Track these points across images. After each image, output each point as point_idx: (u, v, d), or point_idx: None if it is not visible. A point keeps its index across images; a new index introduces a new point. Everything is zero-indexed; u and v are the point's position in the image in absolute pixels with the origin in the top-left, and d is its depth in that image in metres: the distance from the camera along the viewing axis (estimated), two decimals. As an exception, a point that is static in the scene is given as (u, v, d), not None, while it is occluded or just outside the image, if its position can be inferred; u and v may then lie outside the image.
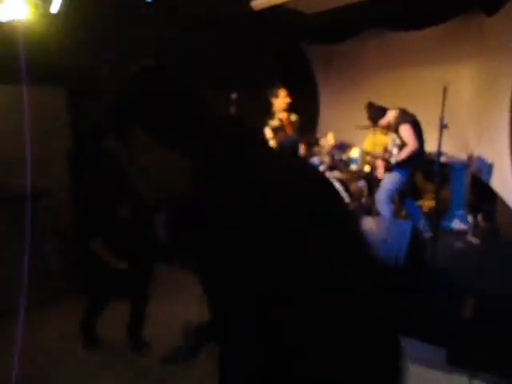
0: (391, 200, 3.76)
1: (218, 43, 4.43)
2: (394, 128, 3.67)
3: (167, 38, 3.94)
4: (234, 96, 4.26)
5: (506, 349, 2.30)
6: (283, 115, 3.82)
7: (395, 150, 3.66)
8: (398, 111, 3.69)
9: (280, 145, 3.72)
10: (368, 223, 2.97)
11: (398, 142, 3.64)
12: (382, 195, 3.74)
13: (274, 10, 4.74)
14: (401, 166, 3.62)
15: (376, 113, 3.74)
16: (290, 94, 3.83)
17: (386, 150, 3.83)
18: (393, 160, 3.64)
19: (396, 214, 3.91)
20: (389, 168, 3.69)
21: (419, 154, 3.63)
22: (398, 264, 2.74)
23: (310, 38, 5.68)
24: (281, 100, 3.80)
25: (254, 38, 5.01)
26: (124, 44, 3.76)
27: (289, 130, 3.82)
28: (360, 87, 5.39)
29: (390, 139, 3.79)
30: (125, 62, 3.82)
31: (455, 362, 2.40)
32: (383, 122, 3.73)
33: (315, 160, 4.24)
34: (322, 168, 4.21)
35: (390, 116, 3.68)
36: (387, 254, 2.79)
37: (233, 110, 4.27)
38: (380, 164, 3.77)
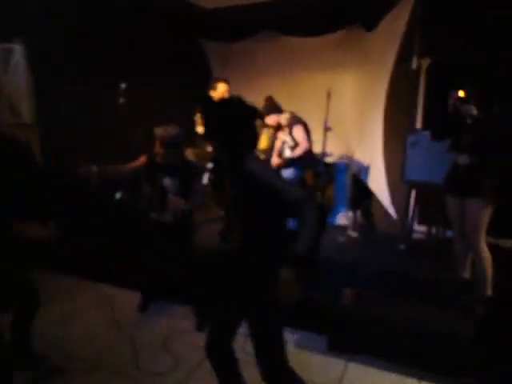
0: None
1: (108, 29, 4.10)
2: (287, 129, 3.79)
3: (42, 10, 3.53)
4: (123, 86, 4.01)
5: (379, 333, 2.55)
6: None
7: (288, 152, 3.80)
8: (289, 114, 3.82)
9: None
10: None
11: (290, 143, 3.77)
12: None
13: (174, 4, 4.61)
14: (295, 163, 3.76)
15: (271, 109, 3.78)
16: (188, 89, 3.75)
17: (281, 146, 3.94)
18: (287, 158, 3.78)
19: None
20: (284, 165, 3.79)
21: (310, 153, 3.82)
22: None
23: (207, 34, 5.63)
24: (219, 94, 3.71)
25: (150, 28, 4.78)
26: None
27: None
28: (254, 87, 5.50)
29: (280, 138, 3.91)
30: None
31: (335, 348, 2.59)
32: (272, 120, 3.78)
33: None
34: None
35: (283, 118, 3.78)
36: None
37: (122, 100, 4.01)
38: (276, 160, 3.87)
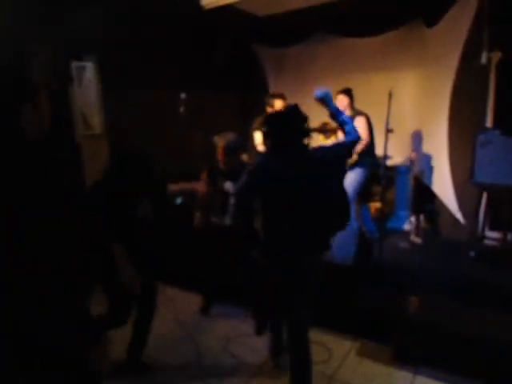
0: (353, 200, 3.76)
1: (165, 41, 4.31)
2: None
3: (107, 32, 3.79)
4: (183, 96, 4.19)
5: (447, 344, 2.40)
6: None
7: None
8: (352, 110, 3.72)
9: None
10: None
11: None
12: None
13: (226, 11, 4.72)
14: (359, 162, 3.63)
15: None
16: (245, 97, 3.82)
17: None
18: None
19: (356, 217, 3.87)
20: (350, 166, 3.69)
21: (372, 151, 3.68)
22: (347, 264, 2.79)
23: (261, 40, 5.71)
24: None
25: (204, 38, 4.95)
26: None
27: None
28: (311, 92, 5.46)
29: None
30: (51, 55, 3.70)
31: (400, 358, 2.48)
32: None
33: None
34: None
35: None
36: (336, 255, 2.82)
37: (182, 109, 4.19)
38: None
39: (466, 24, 3.59)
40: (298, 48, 5.55)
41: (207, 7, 4.01)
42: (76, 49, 4.04)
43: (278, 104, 3.76)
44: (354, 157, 3.59)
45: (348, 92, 3.79)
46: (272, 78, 5.96)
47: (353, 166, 3.65)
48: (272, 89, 5.94)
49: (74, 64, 4.11)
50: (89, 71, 4.15)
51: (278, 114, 2.16)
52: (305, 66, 5.54)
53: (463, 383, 2.26)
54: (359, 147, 3.56)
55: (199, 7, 4.05)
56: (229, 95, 5.56)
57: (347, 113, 3.73)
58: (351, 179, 3.64)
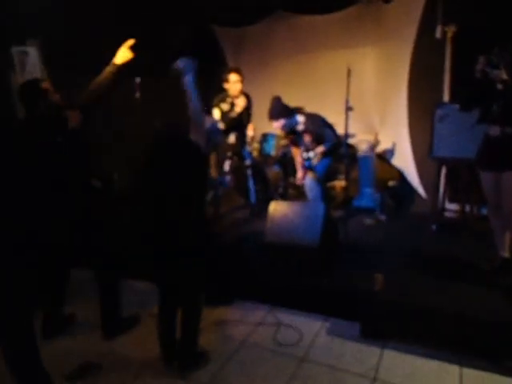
0: (321, 181, 3.74)
1: (116, 23, 4.05)
2: (307, 135, 3.60)
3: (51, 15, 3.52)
4: (137, 80, 3.99)
5: (413, 318, 2.45)
6: (236, 99, 3.70)
7: (315, 160, 3.66)
8: (304, 116, 3.53)
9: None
10: (282, 208, 2.95)
11: (315, 158, 3.64)
12: (312, 180, 3.68)
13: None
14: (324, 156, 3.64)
15: (279, 110, 3.44)
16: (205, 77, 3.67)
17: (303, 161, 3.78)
18: (313, 161, 3.65)
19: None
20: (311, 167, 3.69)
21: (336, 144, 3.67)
22: (314, 244, 2.77)
23: (219, 20, 5.51)
24: (232, 84, 3.66)
25: (158, 18, 4.70)
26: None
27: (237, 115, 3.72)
28: (272, 71, 5.37)
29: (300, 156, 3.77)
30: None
31: (368, 334, 2.51)
32: (278, 124, 3.47)
33: (247, 149, 4.09)
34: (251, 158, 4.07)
35: (300, 123, 3.53)
36: (302, 236, 2.81)
37: (137, 95, 3.99)
38: (301, 174, 3.75)
39: (422, -2, 3.58)
40: (257, 27, 5.39)
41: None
42: (17, 33, 3.74)
43: (233, 78, 3.65)
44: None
45: (239, 71, 3.74)
46: (231, 59, 5.79)
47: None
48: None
49: (15, 49, 3.80)
50: (32, 56, 3.85)
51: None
52: (264, 45, 5.41)
53: (431, 354, 2.32)
54: (322, 150, 3.56)
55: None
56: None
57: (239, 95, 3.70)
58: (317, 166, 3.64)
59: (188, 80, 2.09)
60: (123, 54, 2.57)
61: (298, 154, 3.77)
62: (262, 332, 2.64)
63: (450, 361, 2.27)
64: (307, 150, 3.67)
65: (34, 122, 2.34)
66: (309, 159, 3.67)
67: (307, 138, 3.60)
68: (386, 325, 2.51)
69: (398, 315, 2.50)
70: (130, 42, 2.60)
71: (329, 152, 3.62)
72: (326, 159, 3.66)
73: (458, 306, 2.41)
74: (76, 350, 2.46)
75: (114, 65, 2.58)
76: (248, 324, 2.71)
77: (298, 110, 3.59)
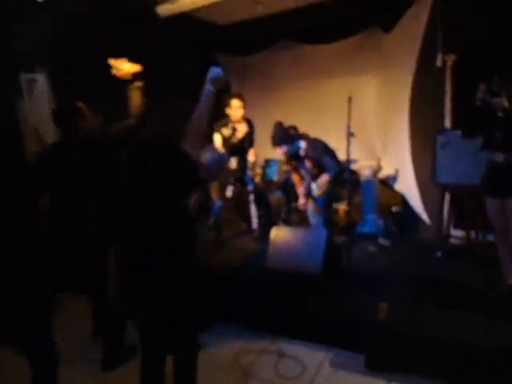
0: (326, 207, 3.74)
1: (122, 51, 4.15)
2: (308, 161, 3.63)
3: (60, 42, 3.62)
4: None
5: (419, 350, 2.37)
6: (237, 125, 3.71)
7: (315, 190, 3.67)
8: (305, 142, 3.58)
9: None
10: (284, 233, 2.92)
11: (317, 189, 3.65)
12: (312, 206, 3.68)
13: (185, 20, 4.63)
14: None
15: (282, 137, 3.50)
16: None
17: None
18: (315, 191, 3.65)
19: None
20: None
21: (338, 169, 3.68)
22: (316, 271, 2.73)
23: (223, 49, 5.66)
24: (234, 110, 3.67)
25: (164, 47, 4.83)
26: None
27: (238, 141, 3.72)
28: (275, 98, 5.47)
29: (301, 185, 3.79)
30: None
31: (374, 367, 2.42)
32: (281, 151, 3.55)
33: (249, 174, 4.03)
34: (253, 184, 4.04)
35: (302, 148, 3.58)
36: (305, 262, 2.76)
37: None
38: (302, 201, 3.76)
39: (421, 28, 3.65)
40: (261, 56, 5.53)
41: (163, 15, 3.91)
42: (25, 60, 3.84)
43: (235, 104, 3.67)
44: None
45: (241, 96, 3.77)
46: (236, 86, 5.90)
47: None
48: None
49: (24, 76, 3.89)
50: (40, 83, 3.94)
51: None
52: (268, 73, 5.53)
53: (437, 388, 2.22)
54: (324, 181, 3.57)
55: (155, 15, 3.94)
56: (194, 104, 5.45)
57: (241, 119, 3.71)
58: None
59: (207, 89, 1.93)
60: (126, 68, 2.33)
61: (299, 182, 3.77)
62: (262, 363, 2.55)
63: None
64: (311, 178, 3.67)
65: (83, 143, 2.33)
66: (311, 190, 3.66)
67: (308, 164, 3.61)
68: (392, 356, 2.42)
69: (404, 346, 2.42)
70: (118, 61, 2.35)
71: (332, 180, 3.61)
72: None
73: (466, 336, 2.33)
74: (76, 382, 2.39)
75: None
76: (248, 353, 2.63)
77: (301, 136, 3.62)
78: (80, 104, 2.43)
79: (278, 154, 3.55)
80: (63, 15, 3.63)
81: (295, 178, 3.81)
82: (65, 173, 2.34)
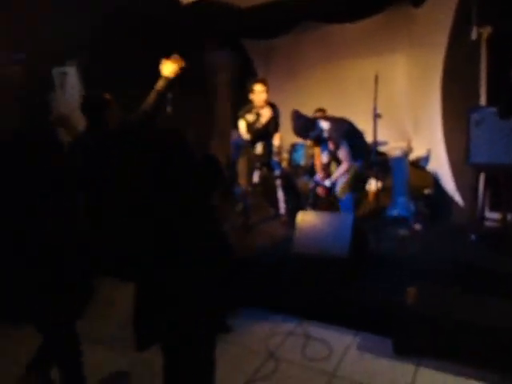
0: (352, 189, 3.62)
1: (148, 41, 4.20)
2: (331, 144, 3.52)
3: (88, 35, 3.70)
4: (169, 96, 4.09)
5: (449, 334, 2.32)
6: (261, 110, 3.70)
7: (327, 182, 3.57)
8: (329, 123, 3.45)
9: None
10: (310, 218, 2.92)
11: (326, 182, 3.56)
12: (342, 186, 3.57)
13: (209, 5, 4.61)
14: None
15: (302, 125, 3.39)
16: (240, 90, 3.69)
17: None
18: (332, 179, 3.55)
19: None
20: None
21: (365, 151, 3.57)
22: (343, 255, 2.71)
23: (247, 33, 5.60)
24: (257, 95, 3.66)
25: (189, 35, 4.84)
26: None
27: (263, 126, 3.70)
28: (301, 81, 5.38)
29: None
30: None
31: (401, 351, 2.40)
32: (308, 140, 3.50)
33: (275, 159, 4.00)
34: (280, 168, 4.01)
35: (325, 130, 3.44)
36: (331, 246, 2.75)
37: (169, 109, 4.09)
38: (322, 175, 3.68)
39: (454, 0, 3.46)
40: (285, 38, 5.44)
41: (185, 2, 3.91)
42: (57, 54, 3.96)
43: (258, 88, 3.64)
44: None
45: (264, 81, 3.71)
46: (261, 70, 5.85)
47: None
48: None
49: (56, 70, 4.03)
50: (71, 76, 4.07)
51: None
52: (293, 55, 5.44)
53: (467, 373, 2.18)
54: (342, 171, 3.46)
55: (177, 3, 3.95)
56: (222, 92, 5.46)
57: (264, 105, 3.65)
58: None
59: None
60: (169, 66, 2.46)
61: (320, 167, 3.71)
62: (290, 345, 2.59)
63: (489, 380, 2.12)
64: (335, 161, 3.59)
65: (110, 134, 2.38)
66: (330, 188, 3.58)
67: (331, 146, 3.54)
68: (420, 341, 2.39)
69: (433, 331, 2.37)
70: (175, 56, 2.49)
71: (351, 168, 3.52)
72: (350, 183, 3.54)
73: (498, 321, 2.26)
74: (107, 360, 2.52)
75: (165, 77, 2.47)
76: (276, 336, 2.67)
77: (321, 116, 3.55)
78: (107, 95, 2.50)
79: (306, 142, 3.49)
80: (91, 9, 3.71)
81: (317, 163, 3.75)
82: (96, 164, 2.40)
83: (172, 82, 2.50)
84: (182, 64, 2.48)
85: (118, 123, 2.47)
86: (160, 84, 2.48)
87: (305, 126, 3.37)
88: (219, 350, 1.97)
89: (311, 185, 3.75)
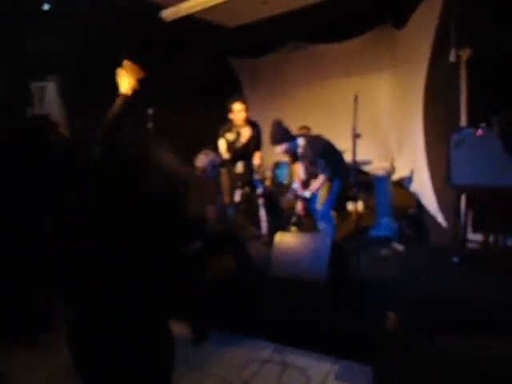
0: (330, 211, 3.56)
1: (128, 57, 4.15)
2: (303, 164, 3.52)
3: (71, 51, 3.65)
4: (150, 112, 4.04)
5: (433, 364, 2.22)
6: (241, 129, 3.66)
7: (306, 193, 3.50)
8: (304, 140, 3.39)
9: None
10: (288, 239, 2.83)
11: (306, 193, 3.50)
12: (322, 207, 3.50)
13: (196, 24, 4.61)
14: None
15: (279, 133, 3.33)
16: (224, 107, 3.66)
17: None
18: (312, 189, 3.46)
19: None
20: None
21: (343, 170, 3.52)
22: (320, 279, 2.62)
23: (234, 51, 5.62)
24: (236, 114, 3.62)
25: (173, 51, 4.82)
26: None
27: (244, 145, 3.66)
28: (287, 99, 5.39)
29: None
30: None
31: (381, 381, 2.29)
32: (281, 149, 3.37)
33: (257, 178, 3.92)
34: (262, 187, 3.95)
35: (300, 147, 3.40)
36: (308, 270, 2.66)
37: (150, 125, 4.03)
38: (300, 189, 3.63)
39: (434, 22, 3.49)
40: (271, 57, 5.48)
41: (168, 19, 3.89)
42: (36, 69, 3.90)
43: (237, 107, 3.60)
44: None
45: (243, 100, 3.69)
46: (247, 89, 5.85)
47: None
48: (249, 101, 5.84)
49: (34, 84, 3.96)
50: (50, 92, 4.00)
51: None
52: (278, 74, 5.46)
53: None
54: (318, 185, 3.38)
55: (159, 20, 3.93)
56: (206, 110, 5.44)
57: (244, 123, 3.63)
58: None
59: None
60: (125, 81, 1.99)
61: (297, 172, 3.66)
62: (265, 374, 2.46)
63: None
64: (308, 179, 3.55)
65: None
66: (305, 199, 3.52)
67: (304, 164, 3.50)
68: (402, 371, 2.28)
69: (415, 360, 2.27)
70: (127, 64, 1.99)
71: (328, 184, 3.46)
72: (329, 199, 3.48)
73: (483, 351, 2.17)
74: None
75: (121, 95, 2.34)
76: (251, 364, 2.54)
77: (301, 134, 3.51)
78: (53, 118, 2.40)
79: (278, 152, 3.42)
80: (71, 24, 3.67)
81: (296, 178, 3.70)
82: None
83: (130, 100, 1.97)
84: (140, 74, 1.94)
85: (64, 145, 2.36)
86: (117, 103, 1.95)
87: (281, 134, 3.32)
88: (190, 381, 1.85)
89: (289, 193, 3.69)
